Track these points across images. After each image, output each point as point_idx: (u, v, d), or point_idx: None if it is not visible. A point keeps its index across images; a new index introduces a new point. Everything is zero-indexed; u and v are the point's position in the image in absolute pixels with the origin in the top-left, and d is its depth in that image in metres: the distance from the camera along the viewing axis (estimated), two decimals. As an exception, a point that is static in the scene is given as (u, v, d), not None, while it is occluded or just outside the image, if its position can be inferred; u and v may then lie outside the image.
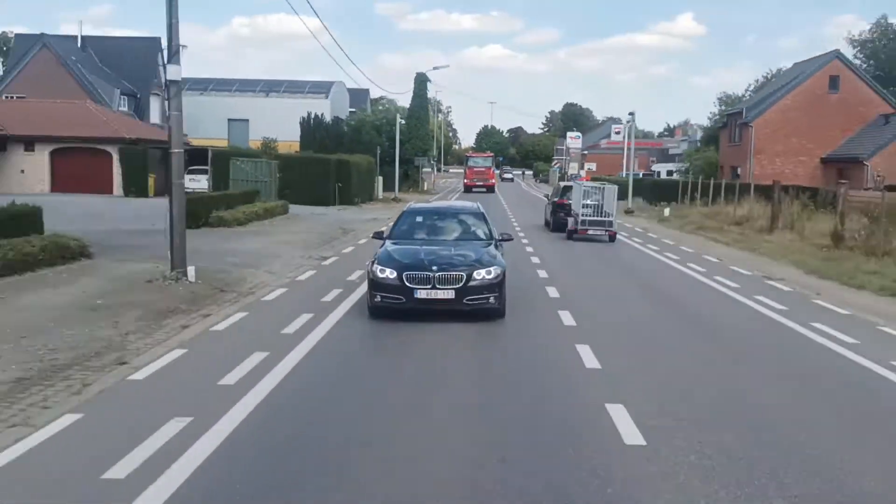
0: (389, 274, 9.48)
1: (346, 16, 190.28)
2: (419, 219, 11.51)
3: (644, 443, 5.61)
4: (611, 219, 21.13)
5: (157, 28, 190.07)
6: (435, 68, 31.67)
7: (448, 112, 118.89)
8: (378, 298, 9.61)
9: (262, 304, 10.99)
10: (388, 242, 10.64)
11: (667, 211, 32.29)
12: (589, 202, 20.98)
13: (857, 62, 55.05)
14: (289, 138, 47.22)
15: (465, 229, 11.26)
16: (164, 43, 13.14)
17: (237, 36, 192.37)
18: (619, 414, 6.18)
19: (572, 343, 8.69)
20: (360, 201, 36.85)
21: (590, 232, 21.07)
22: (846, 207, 20.10)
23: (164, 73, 14.17)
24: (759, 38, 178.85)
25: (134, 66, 48.52)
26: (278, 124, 48.16)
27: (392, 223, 11.79)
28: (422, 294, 9.35)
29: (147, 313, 9.79)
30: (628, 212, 34.02)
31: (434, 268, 9.46)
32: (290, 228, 22.84)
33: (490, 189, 55.50)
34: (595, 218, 20.97)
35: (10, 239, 12.53)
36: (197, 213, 18.93)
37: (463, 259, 9.85)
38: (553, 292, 12.36)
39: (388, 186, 43.58)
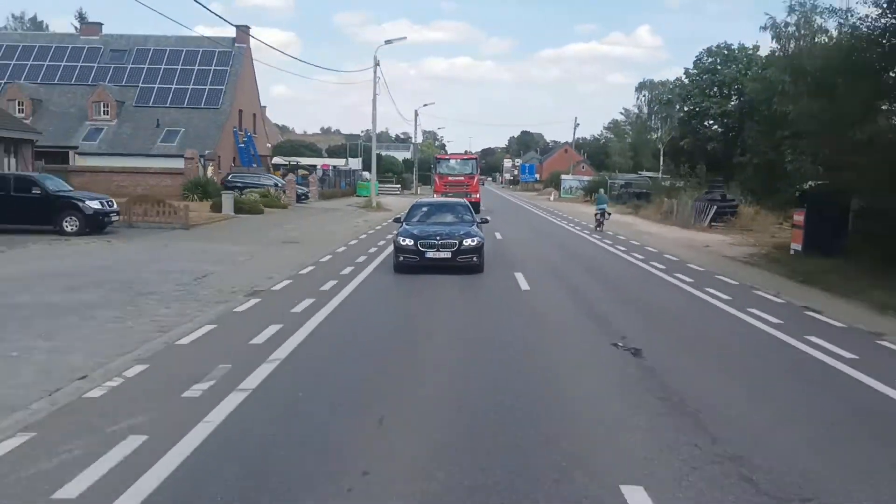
0: (409, 242, 14.46)
1: (307, 26, 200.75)
2: (424, 209, 16.99)
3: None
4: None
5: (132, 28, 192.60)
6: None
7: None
8: (401, 258, 14.53)
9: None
10: (404, 224, 15.76)
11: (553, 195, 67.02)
12: None
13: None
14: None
15: (455, 214, 16.44)
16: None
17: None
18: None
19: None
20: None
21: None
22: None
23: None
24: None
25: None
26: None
27: (406, 212, 17.10)
28: (430, 254, 14.29)
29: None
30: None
31: (437, 238, 14.46)
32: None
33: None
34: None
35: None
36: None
37: (456, 232, 14.83)
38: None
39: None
